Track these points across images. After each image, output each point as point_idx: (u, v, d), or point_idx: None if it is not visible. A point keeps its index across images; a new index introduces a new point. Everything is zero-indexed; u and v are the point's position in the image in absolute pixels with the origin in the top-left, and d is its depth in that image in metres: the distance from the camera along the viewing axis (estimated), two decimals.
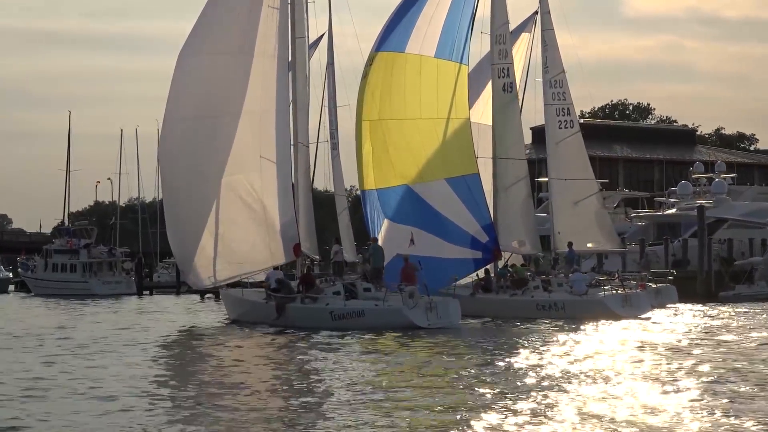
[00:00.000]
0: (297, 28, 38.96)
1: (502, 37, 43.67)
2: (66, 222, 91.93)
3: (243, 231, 38.06)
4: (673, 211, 64.28)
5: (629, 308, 40.34)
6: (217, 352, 28.49)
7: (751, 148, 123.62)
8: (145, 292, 77.68)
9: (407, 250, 39.30)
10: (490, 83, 44.06)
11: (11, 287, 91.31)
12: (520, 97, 45.67)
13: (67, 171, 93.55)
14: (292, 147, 38.74)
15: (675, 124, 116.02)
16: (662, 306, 44.72)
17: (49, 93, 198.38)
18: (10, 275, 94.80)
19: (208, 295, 59.59)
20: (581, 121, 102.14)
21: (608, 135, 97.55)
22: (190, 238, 38.22)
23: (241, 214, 38.02)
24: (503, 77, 43.58)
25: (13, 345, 30.18)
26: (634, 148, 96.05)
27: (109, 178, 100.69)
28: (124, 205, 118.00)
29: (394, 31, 41.33)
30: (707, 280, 55.60)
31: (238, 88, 37.77)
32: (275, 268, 38.46)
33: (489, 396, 18.44)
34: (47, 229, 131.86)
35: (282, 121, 38.07)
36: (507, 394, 18.62)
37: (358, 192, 41.77)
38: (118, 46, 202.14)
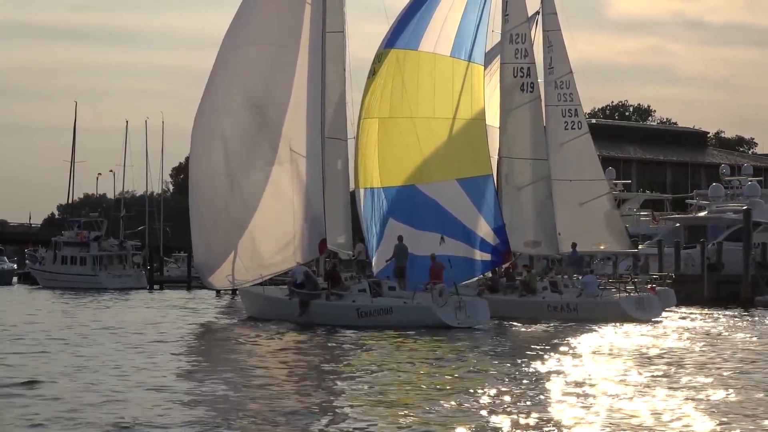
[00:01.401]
0: (332, 21, 38.36)
1: (520, 37, 43.34)
2: (56, 214, 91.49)
3: (268, 227, 37.67)
4: (703, 213, 63.01)
5: (642, 311, 40.30)
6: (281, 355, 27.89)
7: (750, 152, 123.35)
8: (155, 287, 77.48)
9: (438, 249, 38.85)
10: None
11: (14, 279, 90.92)
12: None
13: (72, 162, 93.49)
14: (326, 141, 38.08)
15: (676, 126, 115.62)
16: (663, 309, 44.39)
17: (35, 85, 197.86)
18: (15, 266, 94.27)
19: (223, 291, 59.11)
20: (593, 121, 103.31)
21: (618, 136, 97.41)
22: (214, 235, 37.97)
23: (268, 210, 37.68)
24: (522, 77, 43.22)
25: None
26: (645, 149, 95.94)
27: (111, 170, 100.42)
28: (113, 198, 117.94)
29: (406, 29, 40.80)
30: (753, 284, 53.96)
31: (270, 81, 37.61)
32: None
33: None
34: (37, 221, 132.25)
35: (312, 114, 37.75)
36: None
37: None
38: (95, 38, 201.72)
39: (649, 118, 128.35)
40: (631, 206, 75.72)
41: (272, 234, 37.74)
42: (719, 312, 45.83)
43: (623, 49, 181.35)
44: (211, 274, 38.57)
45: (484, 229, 40.04)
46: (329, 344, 29.33)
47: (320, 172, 37.76)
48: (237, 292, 46.34)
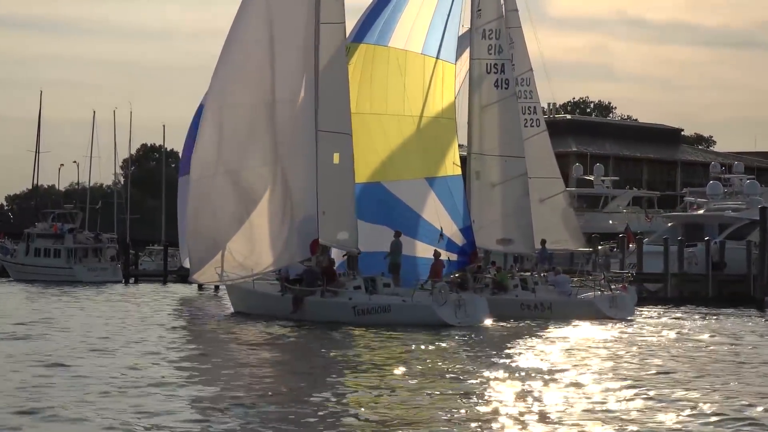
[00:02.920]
0: (329, 13, 37.63)
1: (494, 32, 42.59)
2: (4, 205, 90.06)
3: (261, 225, 37.25)
4: (701, 211, 62.34)
5: (616, 310, 40.38)
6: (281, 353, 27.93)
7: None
8: (130, 280, 76.79)
9: (437, 246, 38.85)
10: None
11: None
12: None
13: (37, 152, 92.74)
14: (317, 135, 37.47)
15: (636, 122, 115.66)
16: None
17: None
18: None
19: (205, 286, 58.68)
20: (568, 117, 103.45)
21: (595, 132, 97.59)
22: (207, 230, 37.57)
23: (261, 208, 37.31)
24: (495, 73, 42.53)
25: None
26: (621, 146, 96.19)
27: (75, 161, 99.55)
28: (63, 190, 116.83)
29: (375, 23, 40.30)
30: (765, 284, 53.03)
31: (268, 77, 37.30)
32: None
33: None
34: None
35: (308, 110, 37.28)
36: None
37: None
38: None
39: (610, 115, 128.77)
40: (620, 203, 75.67)
41: (264, 232, 37.26)
42: (726, 312, 45.33)
43: (566, 47, 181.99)
44: (199, 268, 38.21)
45: (452, 229, 39.87)
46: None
47: (314, 170, 37.08)
48: (220, 287, 46.03)
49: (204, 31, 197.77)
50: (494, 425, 16.30)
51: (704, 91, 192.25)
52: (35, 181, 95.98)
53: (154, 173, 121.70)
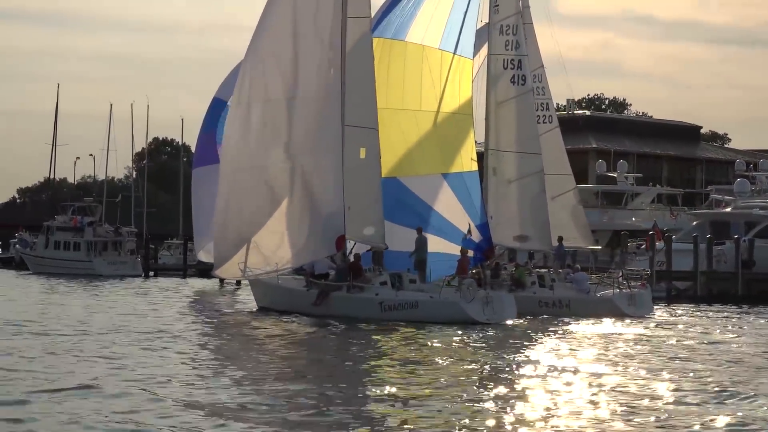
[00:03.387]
0: (355, 6, 37.36)
1: (511, 28, 42.45)
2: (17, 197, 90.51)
3: (287, 221, 36.95)
4: (729, 209, 61.43)
5: (635, 307, 40.34)
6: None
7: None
8: (150, 274, 76.77)
9: (462, 244, 38.70)
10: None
11: None
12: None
13: (54, 145, 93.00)
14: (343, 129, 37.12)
15: (651, 118, 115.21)
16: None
17: None
18: None
19: (227, 281, 58.62)
20: (588, 113, 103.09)
21: (616, 129, 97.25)
22: (234, 224, 37.53)
23: (287, 203, 37.04)
24: (512, 69, 42.34)
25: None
26: (640, 143, 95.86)
27: (91, 154, 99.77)
28: (75, 183, 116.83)
29: (391, 17, 40.12)
30: None
31: (293, 72, 37.14)
32: None
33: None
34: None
35: (335, 106, 36.88)
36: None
37: None
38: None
39: (625, 111, 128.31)
40: (644, 200, 75.32)
41: (290, 227, 36.96)
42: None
43: (573, 44, 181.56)
44: (223, 263, 38.12)
45: (468, 225, 39.67)
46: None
47: (341, 166, 36.70)
48: (241, 282, 45.92)
49: (215, 26, 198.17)
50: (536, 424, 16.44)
51: (712, 89, 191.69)
52: (51, 175, 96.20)
53: (165, 167, 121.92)
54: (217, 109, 56.34)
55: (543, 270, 42.84)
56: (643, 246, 59.55)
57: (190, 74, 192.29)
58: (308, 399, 18.13)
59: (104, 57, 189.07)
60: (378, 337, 29.90)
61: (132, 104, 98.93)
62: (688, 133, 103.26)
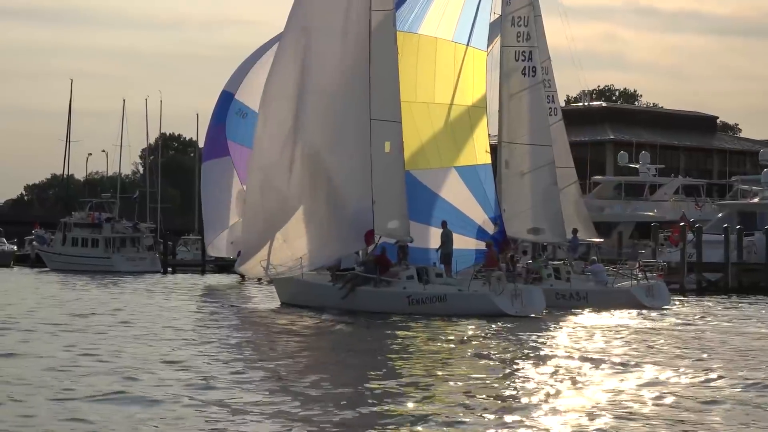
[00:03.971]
0: (379, 0, 37.31)
1: (522, 20, 42.20)
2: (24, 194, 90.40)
3: (314, 217, 36.83)
4: (756, 200, 60.98)
5: (653, 299, 40.26)
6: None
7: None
8: (168, 270, 76.25)
9: (485, 238, 38.67)
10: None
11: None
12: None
13: (67, 141, 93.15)
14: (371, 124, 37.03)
15: (662, 109, 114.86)
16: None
17: None
18: (15, 248, 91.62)
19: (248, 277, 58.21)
20: (605, 104, 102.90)
21: (632, 120, 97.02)
22: (260, 222, 37.44)
23: (314, 200, 36.91)
24: (523, 60, 42.04)
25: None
26: (656, 134, 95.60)
27: (103, 150, 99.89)
28: (82, 179, 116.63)
29: (403, 10, 40.00)
30: None
31: (320, 66, 37.10)
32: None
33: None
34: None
35: (361, 100, 36.75)
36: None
37: None
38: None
39: (636, 102, 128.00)
40: (667, 191, 74.95)
41: (317, 224, 36.83)
42: None
43: (576, 36, 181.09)
44: (248, 260, 38.00)
45: (482, 218, 39.66)
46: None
47: (368, 160, 36.61)
48: (262, 279, 45.69)
49: (225, 20, 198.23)
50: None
51: (718, 80, 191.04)
52: (66, 171, 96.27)
53: (172, 162, 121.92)
54: (225, 102, 56.33)
55: (558, 262, 42.71)
56: (668, 238, 59.32)
57: (201, 69, 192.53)
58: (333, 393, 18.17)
59: (116, 53, 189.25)
60: (404, 333, 29.64)
61: (146, 99, 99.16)
62: (704, 123, 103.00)
